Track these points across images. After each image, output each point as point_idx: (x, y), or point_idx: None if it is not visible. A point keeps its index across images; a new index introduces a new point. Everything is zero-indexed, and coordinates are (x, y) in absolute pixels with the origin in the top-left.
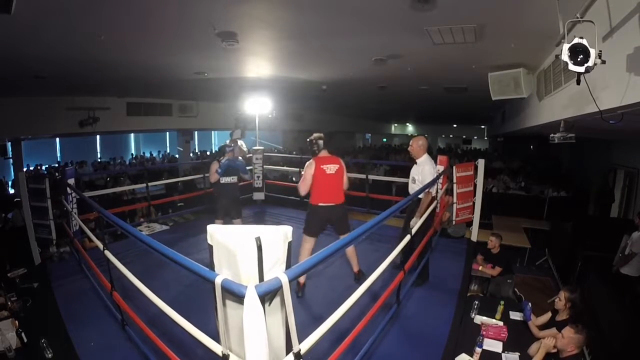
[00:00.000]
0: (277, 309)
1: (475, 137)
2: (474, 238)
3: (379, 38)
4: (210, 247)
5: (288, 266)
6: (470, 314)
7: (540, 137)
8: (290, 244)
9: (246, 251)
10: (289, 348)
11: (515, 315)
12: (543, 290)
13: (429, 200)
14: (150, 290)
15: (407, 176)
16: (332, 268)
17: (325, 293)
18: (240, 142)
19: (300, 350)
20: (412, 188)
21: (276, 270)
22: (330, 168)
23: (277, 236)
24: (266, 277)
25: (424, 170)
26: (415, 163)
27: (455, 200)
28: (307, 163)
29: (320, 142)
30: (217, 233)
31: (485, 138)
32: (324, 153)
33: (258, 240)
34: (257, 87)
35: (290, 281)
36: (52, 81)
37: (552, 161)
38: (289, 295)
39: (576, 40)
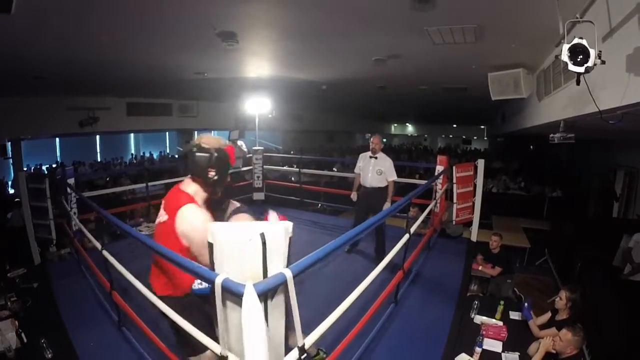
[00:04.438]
0: (280, 304)
1: (475, 137)
2: (473, 238)
3: (379, 38)
4: (211, 245)
5: (289, 261)
6: (470, 313)
7: (540, 137)
8: (291, 239)
9: (251, 247)
10: (292, 344)
11: (515, 315)
12: (543, 290)
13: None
14: (150, 290)
15: (408, 176)
16: (332, 267)
17: (324, 292)
18: (239, 142)
19: (304, 344)
20: (378, 179)
21: (280, 266)
22: (161, 215)
23: (280, 232)
24: (270, 273)
25: (388, 164)
26: (375, 157)
27: (455, 200)
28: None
29: (194, 157)
30: (220, 231)
31: (485, 138)
32: (186, 183)
33: (263, 236)
34: (257, 87)
35: (294, 276)
36: (52, 81)
37: (551, 161)
38: (293, 290)
39: (576, 41)
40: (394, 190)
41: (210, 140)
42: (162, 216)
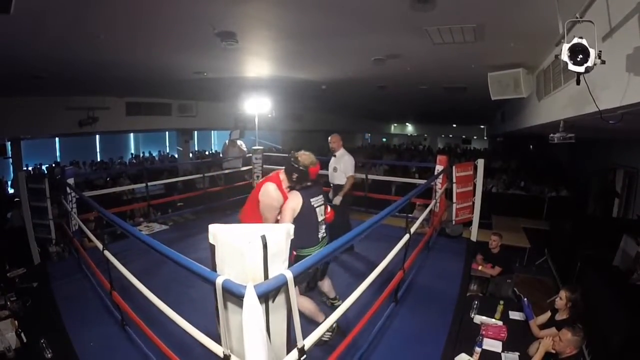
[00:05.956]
0: (281, 305)
1: (475, 137)
2: (473, 238)
3: (379, 38)
4: (212, 246)
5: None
6: (470, 313)
7: (539, 137)
8: (292, 241)
9: (252, 249)
10: (292, 344)
11: (514, 315)
12: (543, 290)
13: (352, 182)
14: (150, 290)
15: (407, 176)
16: (332, 267)
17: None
18: (239, 142)
19: (304, 345)
20: (334, 176)
21: (281, 267)
22: (261, 179)
23: (281, 234)
24: (271, 274)
25: (344, 160)
26: (334, 156)
27: (454, 199)
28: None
29: (290, 163)
30: (221, 232)
31: (485, 138)
32: (282, 170)
33: (263, 238)
34: (257, 87)
35: (294, 277)
36: (51, 81)
37: (551, 161)
38: (293, 292)
39: (576, 40)
40: (351, 186)
41: (304, 157)
42: (261, 179)
